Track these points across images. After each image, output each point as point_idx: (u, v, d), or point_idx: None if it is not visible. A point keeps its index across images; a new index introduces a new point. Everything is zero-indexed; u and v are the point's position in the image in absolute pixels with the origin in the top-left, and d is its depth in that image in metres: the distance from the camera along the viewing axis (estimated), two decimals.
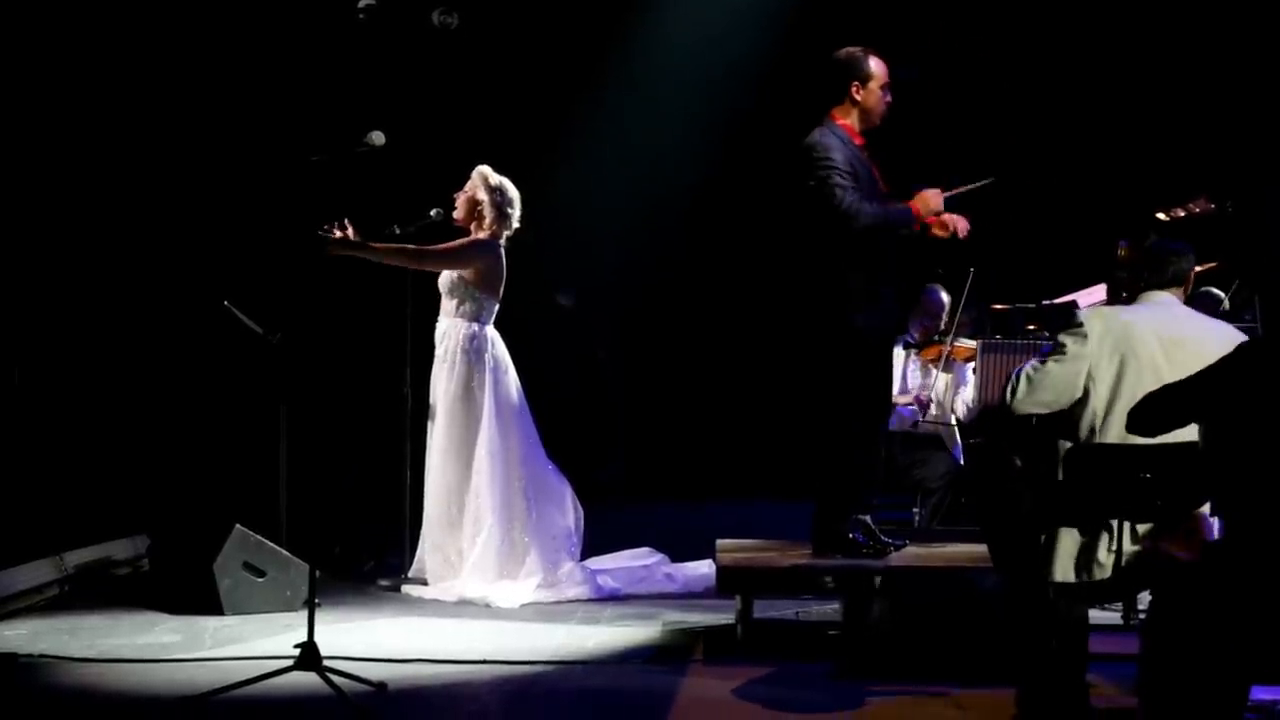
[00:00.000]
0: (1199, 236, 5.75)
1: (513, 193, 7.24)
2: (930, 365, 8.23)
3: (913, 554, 6.15)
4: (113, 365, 8.59)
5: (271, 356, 7.16)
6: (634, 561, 7.49)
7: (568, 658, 5.82)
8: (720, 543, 6.54)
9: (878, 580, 5.76)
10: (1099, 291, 6.77)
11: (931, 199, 6.12)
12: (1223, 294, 6.97)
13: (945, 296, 8.27)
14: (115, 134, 8.59)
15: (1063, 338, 4.75)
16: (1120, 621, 6.01)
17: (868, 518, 6.16)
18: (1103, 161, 9.89)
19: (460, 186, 7.27)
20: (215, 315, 7.19)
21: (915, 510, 8.08)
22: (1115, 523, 4.56)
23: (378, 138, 6.72)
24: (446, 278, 7.22)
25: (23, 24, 8.25)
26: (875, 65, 6.16)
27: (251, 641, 5.98)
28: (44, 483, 7.74)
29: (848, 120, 6.16)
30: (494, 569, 6.98)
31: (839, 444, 6.09)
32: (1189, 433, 4.40)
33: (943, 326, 8.22)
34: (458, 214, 7.25)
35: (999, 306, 7.58)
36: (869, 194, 6.03)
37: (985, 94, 10.09)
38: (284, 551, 6.67)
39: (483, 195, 7.21)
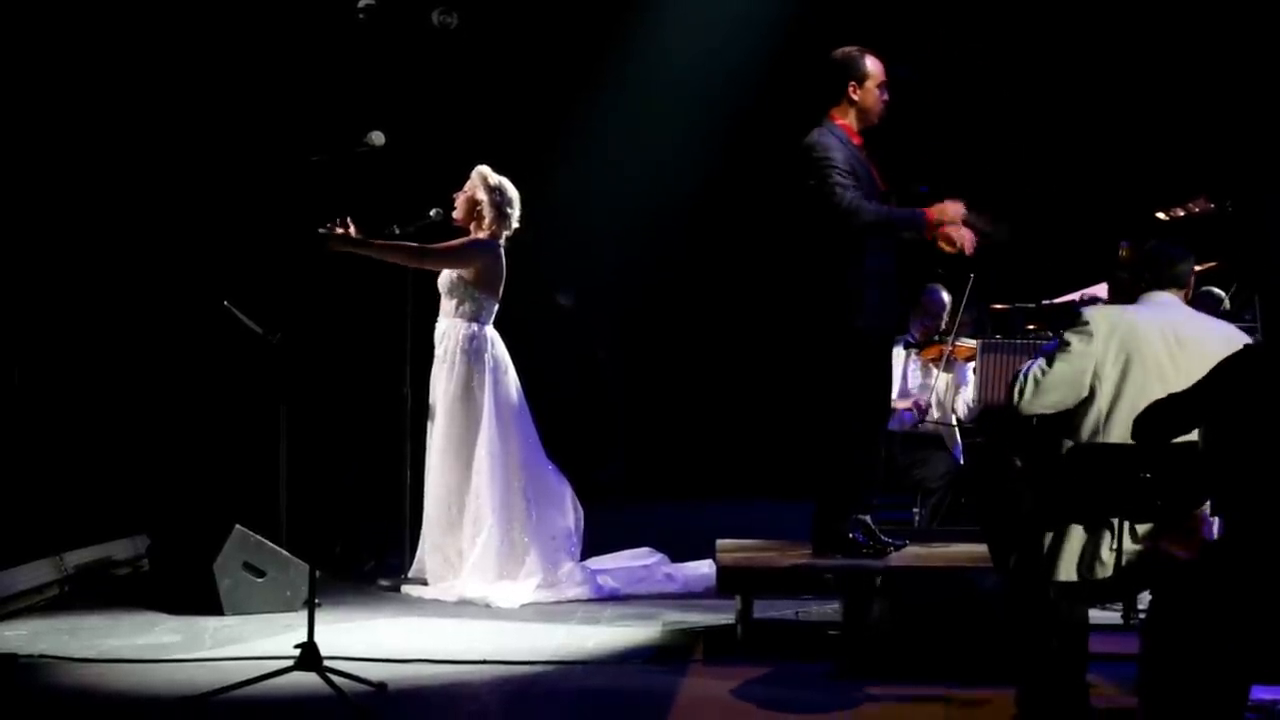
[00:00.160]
0: (1199, 236, 5.75)
1: (512, 193, 7.24)
2: (931, 365, 8.24)
3: (913, 554, 6.14)
4: (113, 365, 8.59)
5: (271, 356, 7.15)
6: (634, 561, 7.49)
7: (568, 658, 5.81)
8: (720, 543, 6.54)
9: (878, 580, 5.76)
10: (1099, 291, 6.77)
11: (951, 209, 6.03)
12: (1223, 294, 6.96)
13: (946, 296, 8.27)
14: (115, 134, 8.58)
15: (1068, 336, 4.74)
16: (1120, 621, 6.00)
17: (868, 518, 6.16)
18: (1103, 162, 9.88)
19: (460, 186, 7.26)
20: (215, 315, 7.19)
21: (915, 510, 8.08)
22: (1116, 522, 4.57)
23: (378, 138, 6.73)
24: (446, 277, 7.22)
25: (23, 24, 8.24)
26: (872, 64, 6.17)
27: (251, 641, 5.98)
28: (44, 483, 7.74)
29: (846, 120, 6.16)
30: (494, 569, 6.98)
31: (839, 444, 6.09)
32: (1189, 433, 4.41)
33: (943, 326, 8.22)
34: (457, 214, 7.24)
35: (999, 306, 7.59)
36: (868, 193, 6.04)
37: (985, 94, 10.08)
38: (284, 551, 6.67)
39: (482, 195, 7.21)
